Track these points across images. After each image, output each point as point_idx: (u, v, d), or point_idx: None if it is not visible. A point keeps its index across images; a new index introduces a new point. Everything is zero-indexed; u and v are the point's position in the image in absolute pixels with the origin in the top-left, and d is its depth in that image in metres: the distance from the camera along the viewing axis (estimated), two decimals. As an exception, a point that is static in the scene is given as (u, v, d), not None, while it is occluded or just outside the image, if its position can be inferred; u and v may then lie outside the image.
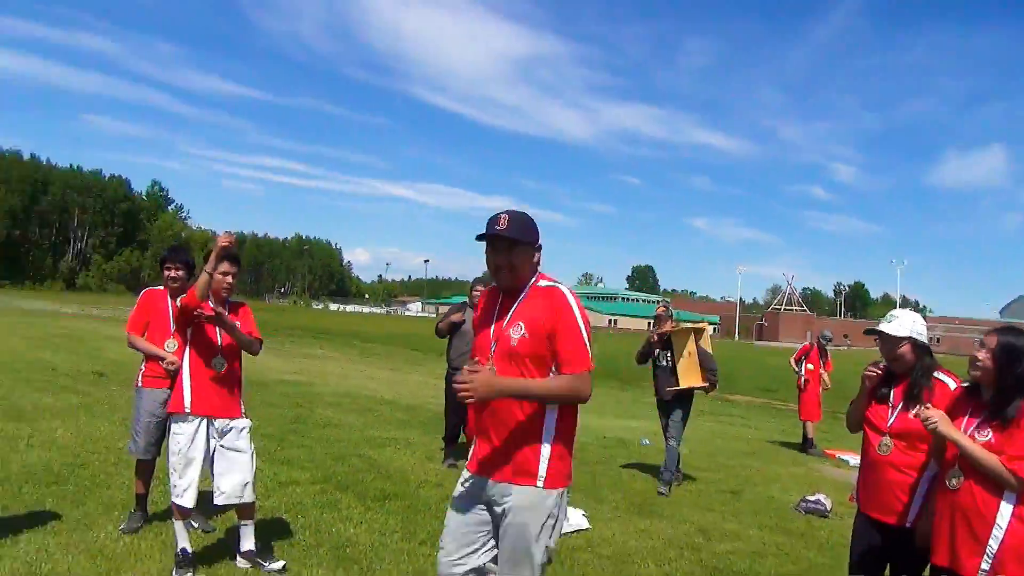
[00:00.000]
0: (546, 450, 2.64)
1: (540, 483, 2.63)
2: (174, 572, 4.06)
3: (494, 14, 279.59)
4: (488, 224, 2.71)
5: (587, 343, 2.64)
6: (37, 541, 4.37)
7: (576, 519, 5.68)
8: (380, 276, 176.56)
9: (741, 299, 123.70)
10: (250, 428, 4.39)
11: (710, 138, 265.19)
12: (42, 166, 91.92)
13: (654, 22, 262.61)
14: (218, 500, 4.17)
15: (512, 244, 2.69)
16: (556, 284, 2.75)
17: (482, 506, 2.73)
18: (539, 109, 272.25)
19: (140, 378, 4.90)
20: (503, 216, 2.71)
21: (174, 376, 4.46)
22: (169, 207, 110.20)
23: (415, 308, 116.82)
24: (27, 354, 14.71)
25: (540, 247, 2.80)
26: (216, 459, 4.19)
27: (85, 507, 5.11)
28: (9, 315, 28.06)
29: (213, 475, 4.21)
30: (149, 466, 4.92)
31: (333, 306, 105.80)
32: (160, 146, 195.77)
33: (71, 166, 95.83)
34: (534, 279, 2.78)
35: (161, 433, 4.83)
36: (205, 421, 4.19)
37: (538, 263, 2.80)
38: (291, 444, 7.80)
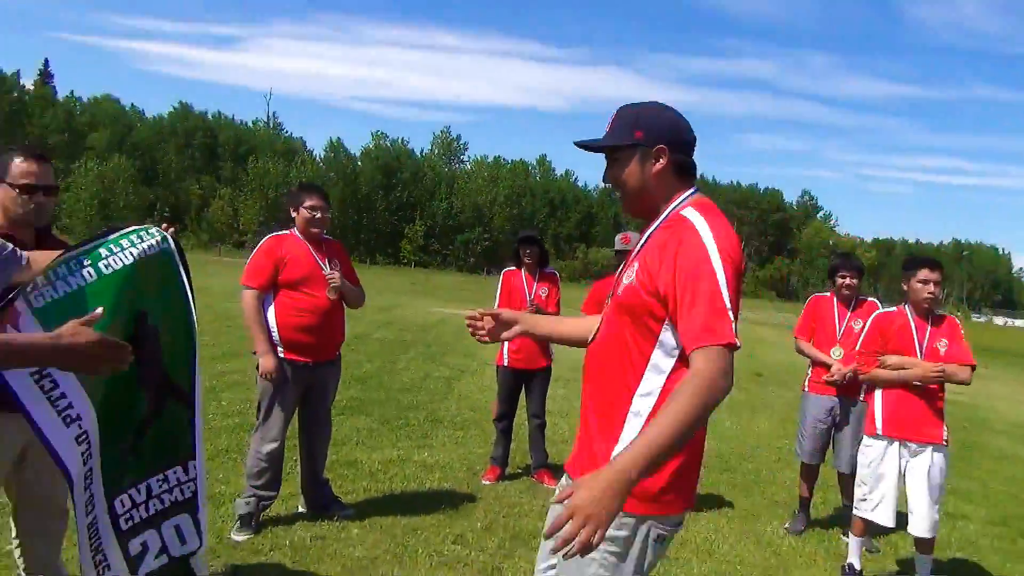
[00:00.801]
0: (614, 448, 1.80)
1: None
2: (844, 583, 3.98)
3: None
4: None
5: (725, 299, 1.67)
6: (713, 522, 4.87)
7: None
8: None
9: None
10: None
11: None
12: (707, 183, 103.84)
13: None
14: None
15: (612, 152, 1.93)
16: (693, 211, 1.81)
17: None
18: None
19: (807, 383, 4.99)
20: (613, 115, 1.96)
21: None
22: (818, 215, 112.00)
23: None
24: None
25: (664, 149, 1.85)
26: (908, 480, 3.90)
27: (752, 498, 5.49)
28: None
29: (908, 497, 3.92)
30: (814, 471, 4.97)
31: (998, 320, 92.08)
32: (809, 156, 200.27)
33: (731, 182, 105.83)
34: (680, 204, 1.87)
35: (826, 440, 4.86)
36: (897, 443, 3.91)
37: (667, 169, 1.86)
38: (959, 473, 6.98)
